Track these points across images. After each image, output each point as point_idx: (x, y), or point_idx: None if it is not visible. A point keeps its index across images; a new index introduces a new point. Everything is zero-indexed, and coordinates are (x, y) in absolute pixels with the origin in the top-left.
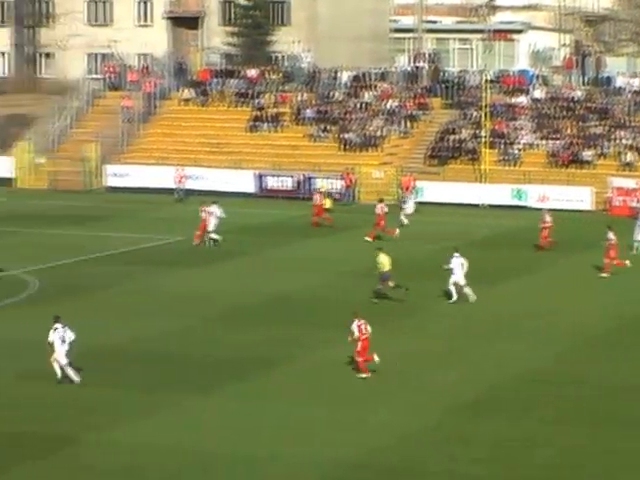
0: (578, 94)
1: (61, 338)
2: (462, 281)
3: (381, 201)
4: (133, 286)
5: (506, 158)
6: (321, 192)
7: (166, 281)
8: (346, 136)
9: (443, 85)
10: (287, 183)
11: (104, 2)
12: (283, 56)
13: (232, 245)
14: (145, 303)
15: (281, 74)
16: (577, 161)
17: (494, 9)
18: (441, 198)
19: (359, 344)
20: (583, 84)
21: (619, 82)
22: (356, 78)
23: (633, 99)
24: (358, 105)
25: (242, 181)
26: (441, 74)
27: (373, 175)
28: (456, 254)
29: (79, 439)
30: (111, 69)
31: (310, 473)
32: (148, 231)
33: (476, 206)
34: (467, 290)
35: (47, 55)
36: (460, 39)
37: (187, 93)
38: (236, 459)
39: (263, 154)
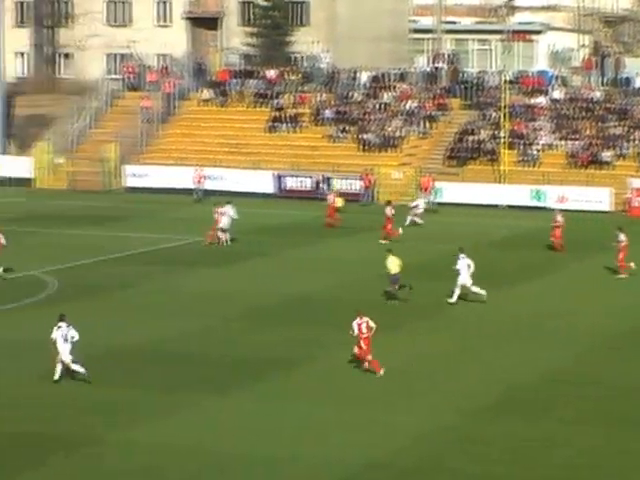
0: (597, 95)
1: (63, 336)
2: (468, 282)
3: (389, 203)
4: (152, 286)
5: (525, 159)
6: (334, 192)
7: (185, 281)
8: (365, 137)
9: (462, 86)
10: (306, 184)
11: (123, 2)
12: (302, 56)
13: (251, 245)
14: (164, 303)
15: (300, 75)
16: (596, 162)
17: (513, 10)
18: (460, 199)
19: (361, 343)
20: (602, 85)
21: (638, 83)
22: (375, 79)
23: None
24: (377, 106)
25: (261, 181)
26: (460, 75)
27: (392, 176)
28: (462, 255)
29: (98, 439)
30: (130, 69)
31: (329, 474)
32: (167, 231)
33: (495, 207)
34: (475, 289)
35: (66, 55)
36: (479, 40)
37: (206, 93)
38: (255, 460)
39: (282, 154)
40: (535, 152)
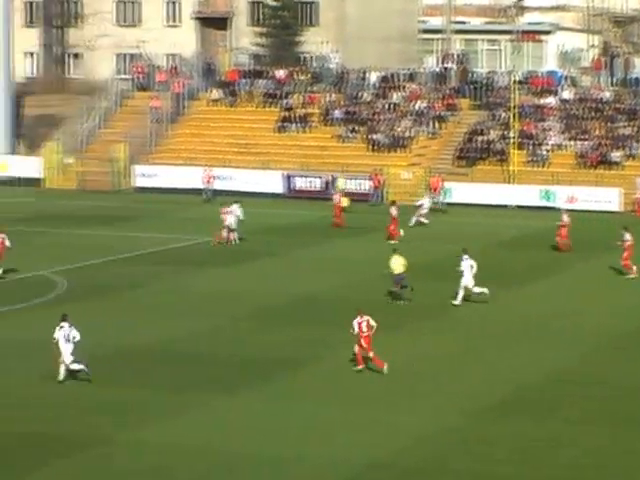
0: (607, 95)
1: (65, 337)
2: (470, 283)
3: (393, 203)
4: (161, 286)
5: (534, 159)
6: (340, 192)
7: (194, 281)
8: (374, 137)
9: (471, 86)
10: (315, 184)
11: (132, 2)
12: (311, 57)
13: (260, 245)
14: (173, 303)
15: (309, 75)
16: (605, 162)
17: (522, 10)
18: (469, 199)
19: (361, 341)
20: (612, 85)
21: None
22: (384, 79)
23: None
24: (386, 106)
25: (270, 182)
26: (469, 75)
27: (401, 176)
28: (465, 256)
29: (107, 439)
30: (139, 69)
31: (334, 473)
32: (176, 231)
33: (504, 207)
34: (477, 290)
35: (75, 55)
36: (489, 40)
37: (215, 93)
38: (262, 459)
39: (291, 155)
40: (544, 152)
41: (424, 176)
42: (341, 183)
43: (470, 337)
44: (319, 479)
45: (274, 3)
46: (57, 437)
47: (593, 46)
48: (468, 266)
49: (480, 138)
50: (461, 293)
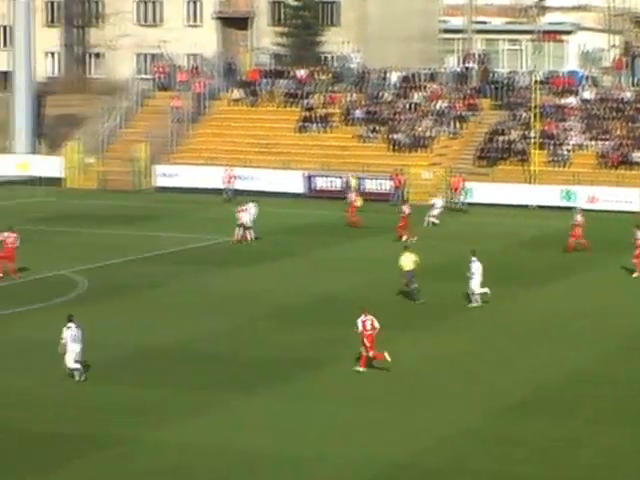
0: (628, 95)
1: (73, 337)
2: (477, 286)
3: (405, 202)
4: (181, 286)
5: (555, 159)
6: (354, 191)
7: (214, 281)
8: (395, 137)
9: (492, 86)
10: (336, 184)
11: (154, 2)
12: (332, 56)
13: (280, 245)
14: (193, 303)
15: (330, 74)
16: (626, 162)
17: (544, 10)
18: (490, 199)
19: (365, 340)
20: (633, 85)
21: None
22: (405, 79)
23: None
24: (407, 106)
25: (291, 181)
26: (490, 75)
27: (422, 176)
28: (473, 258)
29: (127, 439)
30: (160, 69)
31: (356, 474)
32: (197, 231)
33: (525, 207)
34: (481, 291)
35: (97, 55)
36: (510, 40)
37: (236, 93)
38: (282, 459)
39: (312, 154)
40: (565, 152)
41: (445, 176)
42: (354, 182)
43: (490, 337)
44: (339, 479)
45: (295, 3)
46: (76, 437)
47: (614, 46)
48: (478, 268)
49: (501, 138)
50: (476, 294)
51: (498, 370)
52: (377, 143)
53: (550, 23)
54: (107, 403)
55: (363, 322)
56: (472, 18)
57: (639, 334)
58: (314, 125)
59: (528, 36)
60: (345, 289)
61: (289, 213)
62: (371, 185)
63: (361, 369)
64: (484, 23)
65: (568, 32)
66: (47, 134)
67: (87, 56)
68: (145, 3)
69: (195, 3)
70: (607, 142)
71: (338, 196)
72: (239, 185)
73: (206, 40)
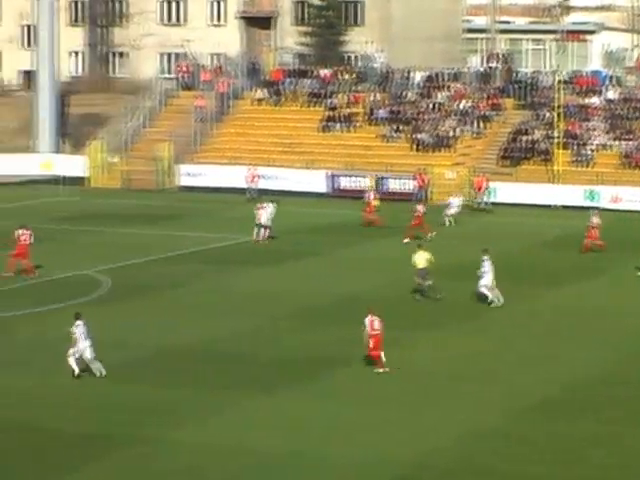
0: None
1: (83, 334)
2: (485, 283)
3: (420, 201)
4: (203, 286)
5: (579, 159)
6: (372, 190)
7: (237, 281)
8: (419, 136)
9: (516, 85)
10: (359, 183)
11: (177, 2)
12: (356, 56)
13: (303, 245)
14: (215, 303)
15: (354, 74)
16: None
17: (567, 9)
18: (513, 199)
19: (371, 341)
20: None
21: None
22: (429, 78)
23: None
24: (431, 105)
25: (314, 181)
26: (514, 74)
27: (446, 176)
28: (485, 257)
29: (148, 439)
30: (184, 69)
31: (377, 474)
32: (220, 230)
33: (548, 207)
34: (483, 291)
35: (120, 55)
36: (533, 39)
37: (260, 93)
38: (300, 459)
39: (335, 154)
40: (589, 152)
41: (468, 176)
42: (371, 182)
43: (511, 336)
44: (362, 479)
45: (319, 3)
46: (97, 437)
47: (638, 46)
48: (489, 266)
49: (524, 138)
50: (490, 293)
51: (519, 370)
52: (400, 143)
53: (574, 23)
54: (129, 403)
55: (371, 322)
56: (495, 18)
57: None
58: (338, 125)
59: (552, 36)
60: (367, 289)
61: (312, 213)
62: (394, 185)
63: (380, 370)
64: (507, 23)
65: (592, 32)
66: (71, 133)
67: (111, 55)
68: (169, 2)
69: (219, 3)
70: (631, 142)
71: (361, 196)
72: (262, 184)
73: (230, 40)
